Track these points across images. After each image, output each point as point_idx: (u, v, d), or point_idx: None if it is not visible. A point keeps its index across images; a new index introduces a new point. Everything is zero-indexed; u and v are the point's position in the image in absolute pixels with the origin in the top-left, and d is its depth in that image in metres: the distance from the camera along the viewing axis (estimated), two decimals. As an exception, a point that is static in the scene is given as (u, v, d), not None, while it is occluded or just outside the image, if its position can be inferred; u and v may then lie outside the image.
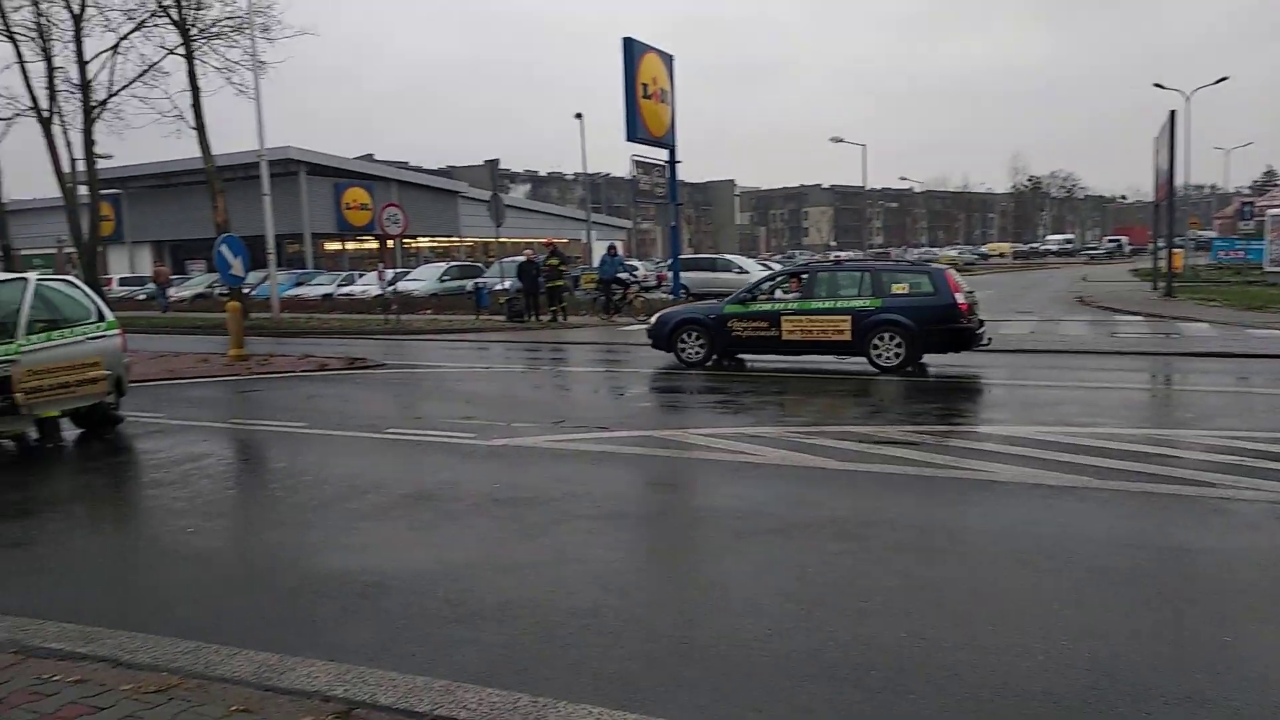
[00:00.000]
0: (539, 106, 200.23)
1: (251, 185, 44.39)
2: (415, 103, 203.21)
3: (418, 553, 5.55)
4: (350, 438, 9.29)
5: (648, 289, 31.84)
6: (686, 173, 31.68)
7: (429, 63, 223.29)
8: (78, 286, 9.51)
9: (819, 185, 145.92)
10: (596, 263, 31.09)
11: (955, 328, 13.06)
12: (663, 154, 25.48)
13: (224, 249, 15.98)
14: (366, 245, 56.29)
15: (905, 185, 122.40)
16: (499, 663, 3.93)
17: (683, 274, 27.53)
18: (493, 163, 23.81)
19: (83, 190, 28.09)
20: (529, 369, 15.12)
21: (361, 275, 38.16)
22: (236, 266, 16.09)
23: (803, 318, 13.50)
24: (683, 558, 5.59)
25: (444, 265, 37.16)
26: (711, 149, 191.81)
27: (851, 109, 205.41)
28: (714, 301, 15.15)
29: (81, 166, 26.78)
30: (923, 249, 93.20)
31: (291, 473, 7.92)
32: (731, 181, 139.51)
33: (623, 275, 25.77)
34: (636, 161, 24.35)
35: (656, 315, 15.23)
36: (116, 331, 9.60)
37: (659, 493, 7.20)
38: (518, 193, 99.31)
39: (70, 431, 9.71)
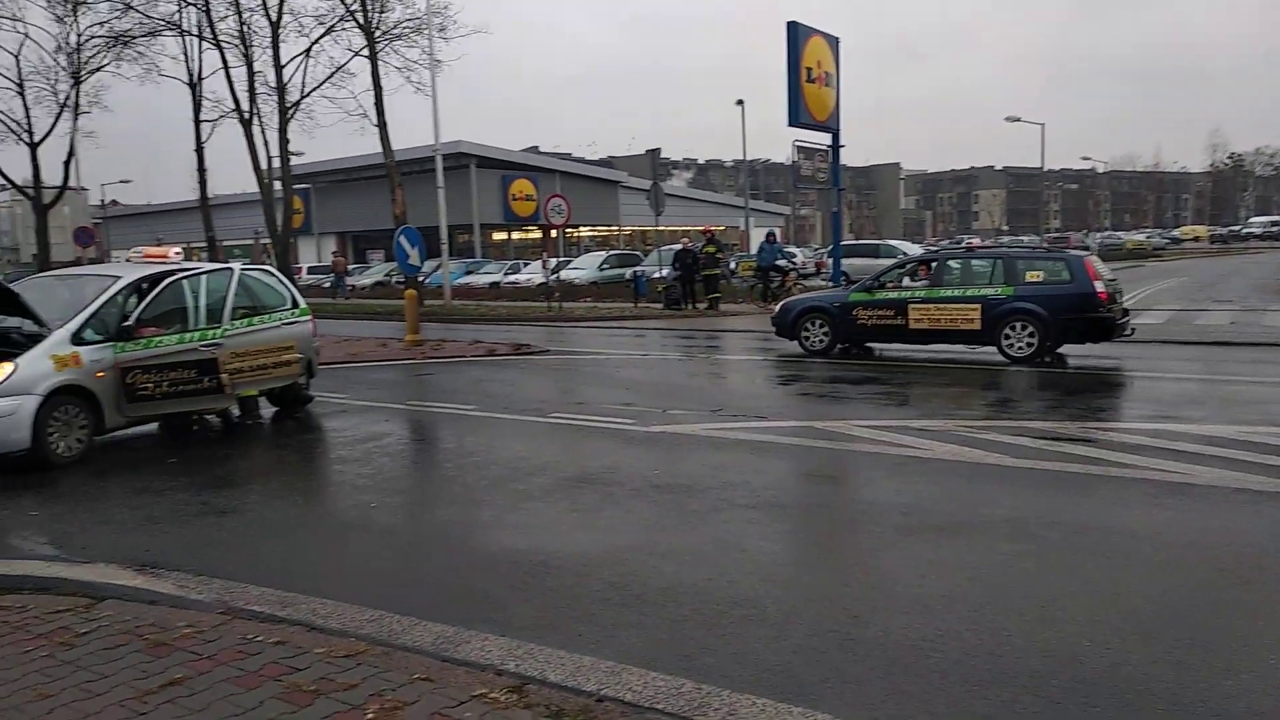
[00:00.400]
0: (699, 94, 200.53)
1: (426, 179, 46.74)
2: (579, 94, 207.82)
3: (581, 535, 5.68)
4: (516, 421, 9.62)
5: (806, 276, 31.30)
6: (849, 156, 30.85)
7: (592, 55, 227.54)
8: (275, 275, 10.30)
9: (990, 167, 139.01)
10: (754, 250, 30.83)
11: (1094, 317, 12.35)
12: (825, 138, 24.87)
13: (402, 239, 16.85)
14: (531, 235, 58.11)
15: (1087, 165, 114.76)
16: (662, 647, 3.97)
17: (844, 260, 26.86)
18: (654, 152, 23.97)
19: (277, 185, 30.34)
20: (686, 356, 15.18)
21: (526, 264, 39.38)
22: (414, 256, 16.94)
23: (931, 306, 13.09)
24: (846, 552, 5.47)
25: (603, 254, 37.82)
26: (876, 131, 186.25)
27: (1025, 87, 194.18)
28: (839, 289, 14.93)
29: (276, 163, 28.92)
30: (1105, 233, 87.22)
31: (462, 453, 8.29)
32: (896, 165, 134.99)
33: (781, 262, 25.45)
34: (798, 147, 23.86)
35: (781, 303, 15.28)
36: (308, 318, 10.34)
37: (820, 484, 7.07)
38: (677, 181, 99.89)
39: (266, 410, 10.51)
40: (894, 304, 13.39)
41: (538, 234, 58.25)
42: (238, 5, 27.74)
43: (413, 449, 8.93)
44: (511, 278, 36.28)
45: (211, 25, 27.83)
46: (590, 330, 20.74)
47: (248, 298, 9.68)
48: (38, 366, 7.98)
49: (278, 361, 9.67)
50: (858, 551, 5.42)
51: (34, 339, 8.19)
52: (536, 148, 78.52)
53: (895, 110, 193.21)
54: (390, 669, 3.73)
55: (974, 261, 13.60)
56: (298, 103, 28.37)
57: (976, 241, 51.69)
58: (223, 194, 67.16)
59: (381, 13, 27.16)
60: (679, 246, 24.28)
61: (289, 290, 10.31)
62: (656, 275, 26.74)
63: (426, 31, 26.56)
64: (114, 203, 77.27)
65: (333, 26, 27.51)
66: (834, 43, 24.73)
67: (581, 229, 59.58)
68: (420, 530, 6.08)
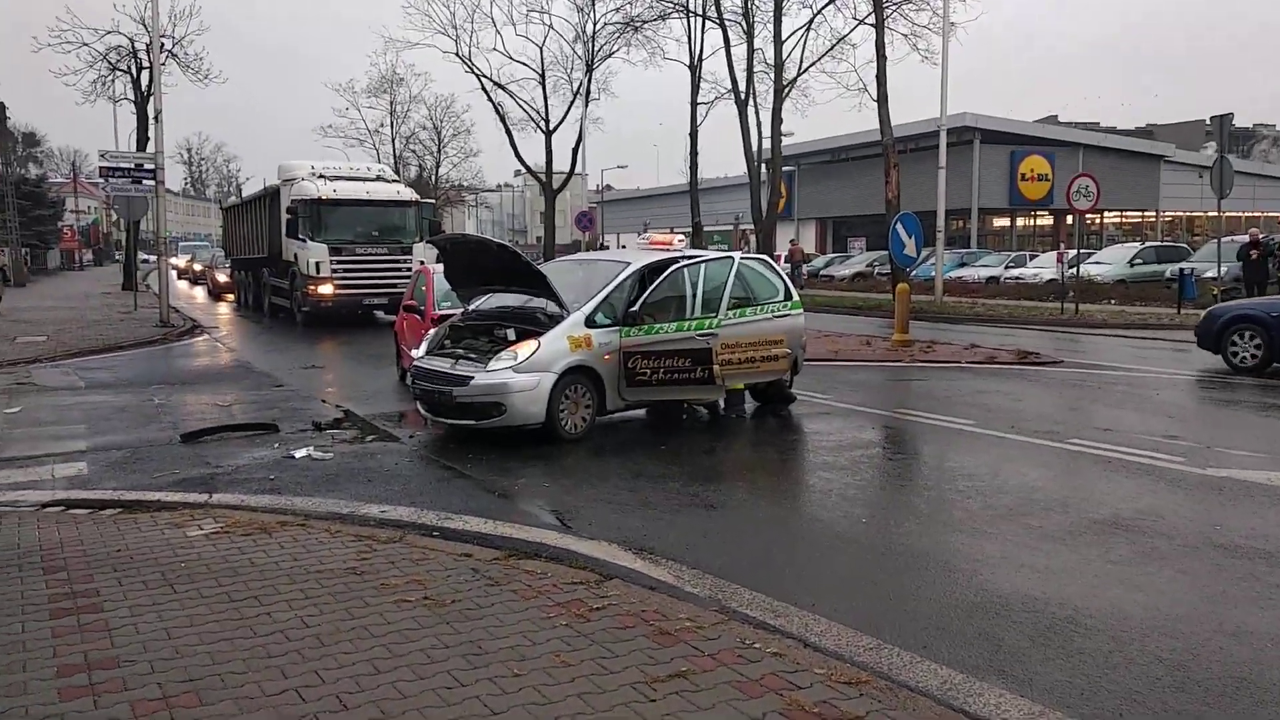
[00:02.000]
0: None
1: (919, 158, 46.51)
2: (1107, 57, 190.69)
3: (1117, 592, 5.24)
4: (1024, 443, 9.18)
5: None
6: None
7: (1124, 12, 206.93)
8: (770, 265, 10.98)
9: None
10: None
11: None
12: None
13: (899, 227, 16.94)
14: (1039, 221, 54.88)
15: None
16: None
17: None
18: (1223, 119, 21.12)
19: (763, 169, 32.25)
20: (1254, 381, 13.22)
21: (1033, 256, 37.29)
22: (910, 246, 16.94)
23: None
24: None
25: (1136, 246, 34.34)
26: None
27: None
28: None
29: (767, 144, 30.70)
30: None
31: (962, 474, 8.10)
32: None
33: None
34: None
35: (1206, 311, 14.83)
36: (799, 311, 10.85)
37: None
38: (1251, 159, 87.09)
39: (748, 404, 11.24)
40: None
41: (1047, 220, 54.90)
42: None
43: (905, 463, 8.95)
44: (1014, 272, 34.64)
45: (717, 3, 30.35)
46: (1114, 340, 19.04)
47: (743, 288, 10.43)
48: (556, 346, 9.38)
49: (766, 355, 10.27)
50: None
51: (554, 319, 9.64)
52: (1055, 117, 73.68)
53: None
54: (895, 707, 3.77)
55: None
56: (794, 79, 29.80)
57: None
58: (702, 178, 73.06)
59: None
60: (1245, 239, 21.19)
61: (782, 281, 10.91)
62: (1210, 275, 23.67)
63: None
64: (608, 188, 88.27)
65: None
66: None
67: (1107, 215, 54.79)
68: (918, 554, 6.06)
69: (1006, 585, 5.40)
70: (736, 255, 10.48)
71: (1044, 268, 33.47)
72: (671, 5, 34.48)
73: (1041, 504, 7.02)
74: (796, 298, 10.90)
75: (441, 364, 9.66)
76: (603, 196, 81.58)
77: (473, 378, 9.21)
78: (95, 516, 7.17)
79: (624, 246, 12.16)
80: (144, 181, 23.04)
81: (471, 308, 10.58)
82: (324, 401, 12.36)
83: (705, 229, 41.65)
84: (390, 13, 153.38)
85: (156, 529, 6.64)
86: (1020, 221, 54.85)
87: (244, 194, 29.28)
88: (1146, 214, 55.69)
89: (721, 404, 10.70)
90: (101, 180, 22.82)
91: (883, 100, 26.36)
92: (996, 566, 5.75)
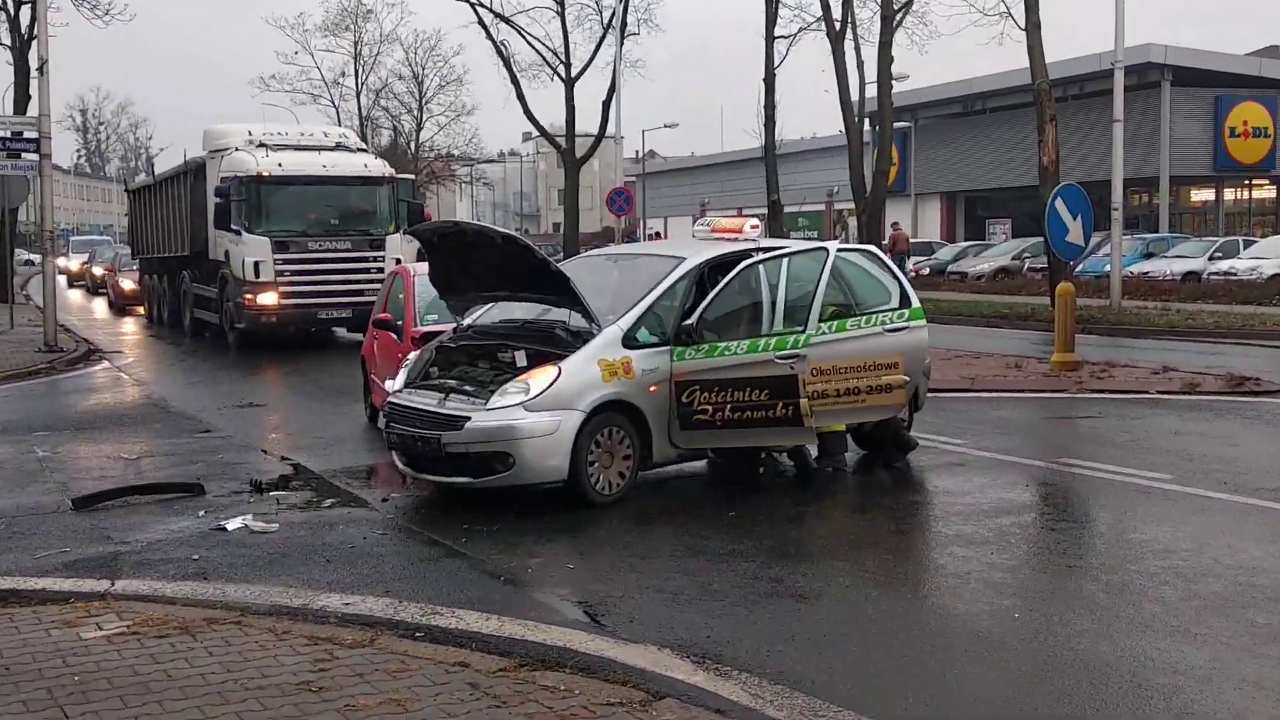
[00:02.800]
0: None
1: (1084, 108, 46.29)
2: None
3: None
4: (1245, 506, 9.09)
5: None
6: None
7: None
8: (879, 259, 10.91)
9: None
10: None
11: None
12: None
13: (1059, 204, 16.78)
14: (1256, 193, 54.27)
15: None
16: None
17: None
18: None
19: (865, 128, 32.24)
20: None
21: (1251, 241, 36.90)
22: (1075, 230, 16.73)
23: None
24: None
25: None
26: None
27: None
28: None
29: (871, 93, 30.74)
30: None
31: (1154, 550, 8.01)
32: None
33: None
34: None
35: None
36: (921, 322, 10.75)
37: None
38: None
39: (851, 453, 11.17)
40: None
41: (1268, 192, 54.31)
42: None
43: (1072, 534, 8.85)
44: (1222, 265, 34.30)
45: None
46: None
47: (841, 291, 10.38)
48: (584, 374, 9.41)
49: (874, 385, 10.20)
50: None
51: (580, 337, 9.67)
52: (1275, 47, 72.72)
53: None
54: None
55: None
56: (909, 1, 29.86)
57: None
58: (782, 141, 73.02)
59: None
60: None
61: (896, 282, 10.84)
62: None
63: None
64: (650, 154, 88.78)
65: None
66: None
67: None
68: (1093, 664, 5.96)
69: (1222, 709, 5.32)
70: (832, 245, 10.46)
71: (1265, 258, 33.06)
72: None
73: (1269, 592, 6.93)
74: (917, 304, 10.81)
75: (426, 400, 9.74)
76: (643, 167, 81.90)
77: (469, 419, 9.27)
78: (-42, 613, 7.29)
79: (695, 236, 12.07)
80: (23, 156, 23.55)
81: (467, 323, 10.67)
82: (266, 453, 12.51)
83: (786, 210, 41.68)
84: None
85: (40, 629, 6.74)
86: (1229, 194, 54.27)
87: (157, 171, 29.78)
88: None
89: (813, 453, 10.65)
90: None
91: (1033, 27, 26.21)
92: (1206, 682, 5.66)
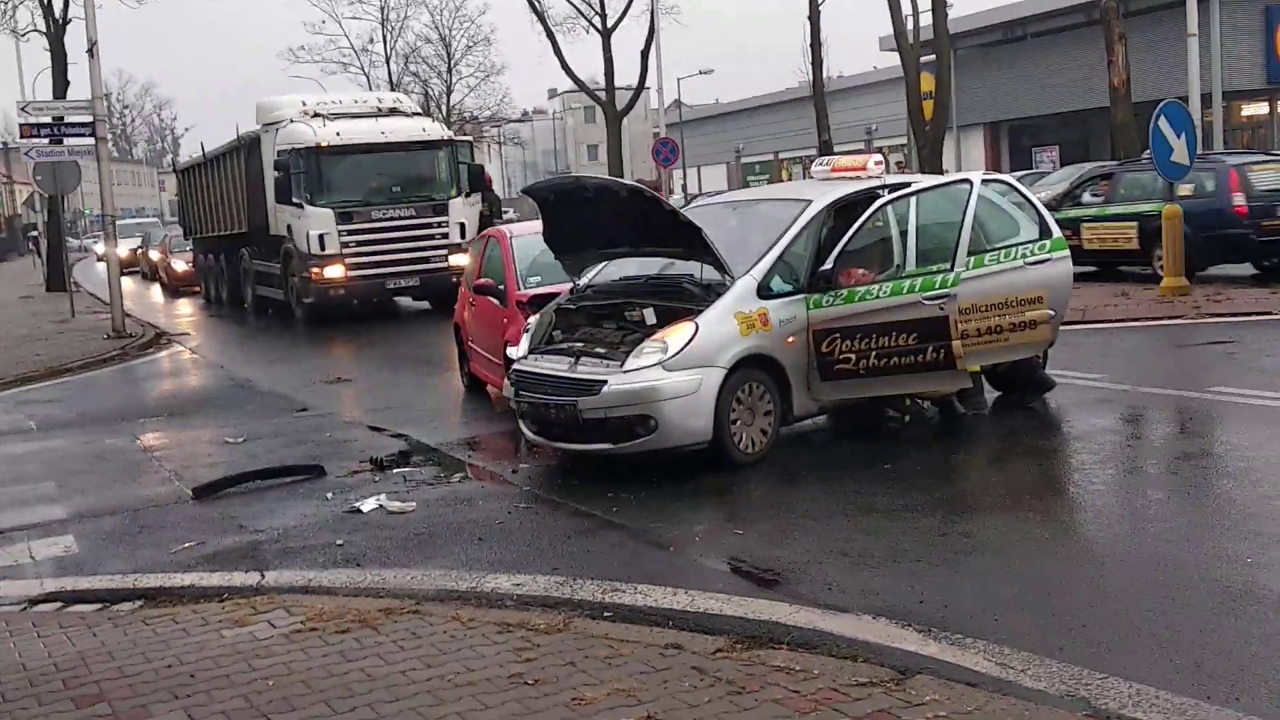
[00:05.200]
0: None
1: (1139, 28, 45.11)
2: None
3: None
4: None
5: None
6: None
7: None
8: (1017, 190, 10.37)
9: None
10: None
11: None
12: None
13: (1162, 123, 16.12)
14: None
15: None
16: None
17: None
18: None
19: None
20: None
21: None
22: (1180, 150, 16.08)
23: None
24: None
25: None
26: None
27: None
28: None
29: (926, 20, 29.95)
30: None
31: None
32: None
33: None
34: None
35: None
36: (1065, 253, 10.20)
37: None
38: None
39: (989, 394, 10.71)
40: None
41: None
42: None
43: (1268, 467, 8.18)
44: None
45: None
46: None
47: (977, 225, 9.83)
48: (721, 328, 8.96)
49: (1018, 322, 9.69)
50: None
51: (711, 290, 9.22)
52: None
53: None
54: None
55: None
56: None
57: None
58: (805, 84, 71.79)
59: None
60: None
61: (1036, 213, 10.29)
62: None
63: None
64: (677, 103, 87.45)
65: None
66: None
67: None
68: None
69: None
70: (975, 176, 9.90)
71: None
72: None
73: None
74: (1058, 234, 10.24)
75: (555, 365, 9.33)
76: (681, 115, 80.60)
77: (605, 382, 8.85)
78: (112, 614, 7.01)
79: (812, 178, 11.59)
80: (68, 140, 23.22)
81: (583, 282, 10.23)
82: (373, 429, 12.18)
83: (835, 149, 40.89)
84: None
85: (210, 629, 6.43)
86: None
87: (207, 149, 29.31)
88: None
89: (955, 399, 10.18)
90: (22, 142, 22.98)
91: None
92: None
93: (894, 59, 62.87)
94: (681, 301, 9.33)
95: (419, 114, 25.28)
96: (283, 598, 6.95)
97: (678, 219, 9.29)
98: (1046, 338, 10.03)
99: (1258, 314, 14.46)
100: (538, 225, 10.77)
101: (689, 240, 9.28)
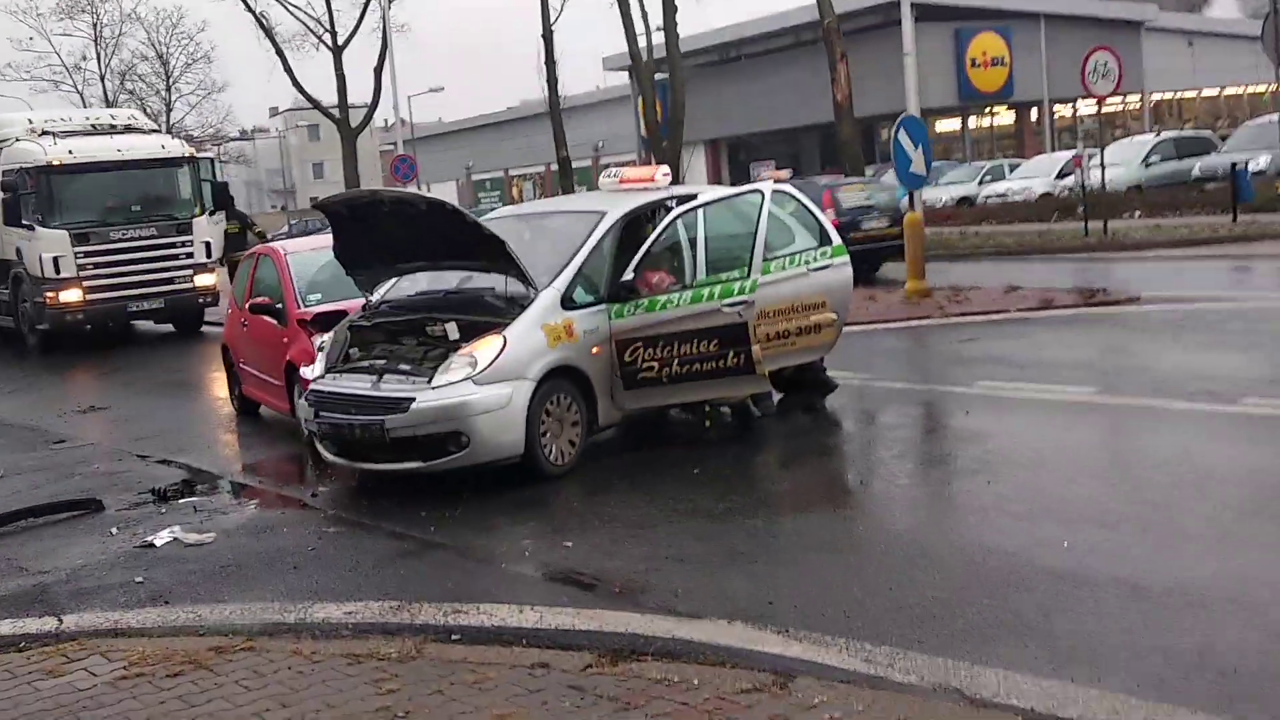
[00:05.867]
0: None
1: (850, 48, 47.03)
2: None
3: None
4: (1191, 412, 9.05)
5: None
6: None
7: None
8: (800, 200, 10.48)
9: None
10: None
11: None
12: None
13: (902, 135, 16.74)
14: (997, 120, 56.42)
15: None
16: None
17: None
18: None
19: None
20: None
21: (1015, 166, 38.23)
22: (918, 161, 16.75)
23: None
24: None
25: (1150, 140, 35.50)
26: None
27: None
28: None
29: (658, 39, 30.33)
30: None
31: (1151, 461, 7.92)
32: None
33: None
34: None
35: None
36: (845, 259, 10.37)
37: None
38: (1222, 10, 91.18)
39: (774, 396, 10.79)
40: None
41: (1006, 119, 56.52)
42: None
43: (1056, 453, 8.52)
44: (994, 188, 35.36)
45: None
46: (1169, 263, 19.56)
47: (768, 234, 9.89)
48: (530, 341, 8.71)
49: (804, 326, 9.78)
50: None
51: (514, 303, 8.96)
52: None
53: None
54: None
55: None
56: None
57: None
58: (533, 101, 71.91)
59: None
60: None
61: (818, 221, 10.45)
62: (1259, 167, 24.83)
63: None
64: (402, 123, 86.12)
65: None
66: None
67: (1078, 103, 56.70)
68: (1184, 592, 5.73)
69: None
70: (766, 187, 9.97)
71: (1032, 177, 34.36)
72: None
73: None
74: (838, 242, 10.43)
75: (357, 384, 8.88)
76: (414, 132, 79.29)
77: (413, 399, 8.46)
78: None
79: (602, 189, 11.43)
80: None
81: (376, 298, 9.81)
82: (144, 458, 11.30)
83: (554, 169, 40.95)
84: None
85: (19, 682, 5.80)
86: (973, 122, 56.29)
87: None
88: (1128, 100, 57.79)
89: (750, 402, 10.23)
90: None
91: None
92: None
93: (616, 79, 64.11)
94: (484, 315, 9.04)
95: (156, 130, 23.87)
96: (94, 642, 6.33)
97: (480, 231, 8.99)
98: (830, 341, 10.16)
99: (995, 312, 15.10)
100: (313, 241, 10.28)
101: (491, 253, 9.00)
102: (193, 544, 8.17)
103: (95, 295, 20.64)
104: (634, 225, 9.75)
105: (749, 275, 9.24)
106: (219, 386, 15.29)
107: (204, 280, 21.80)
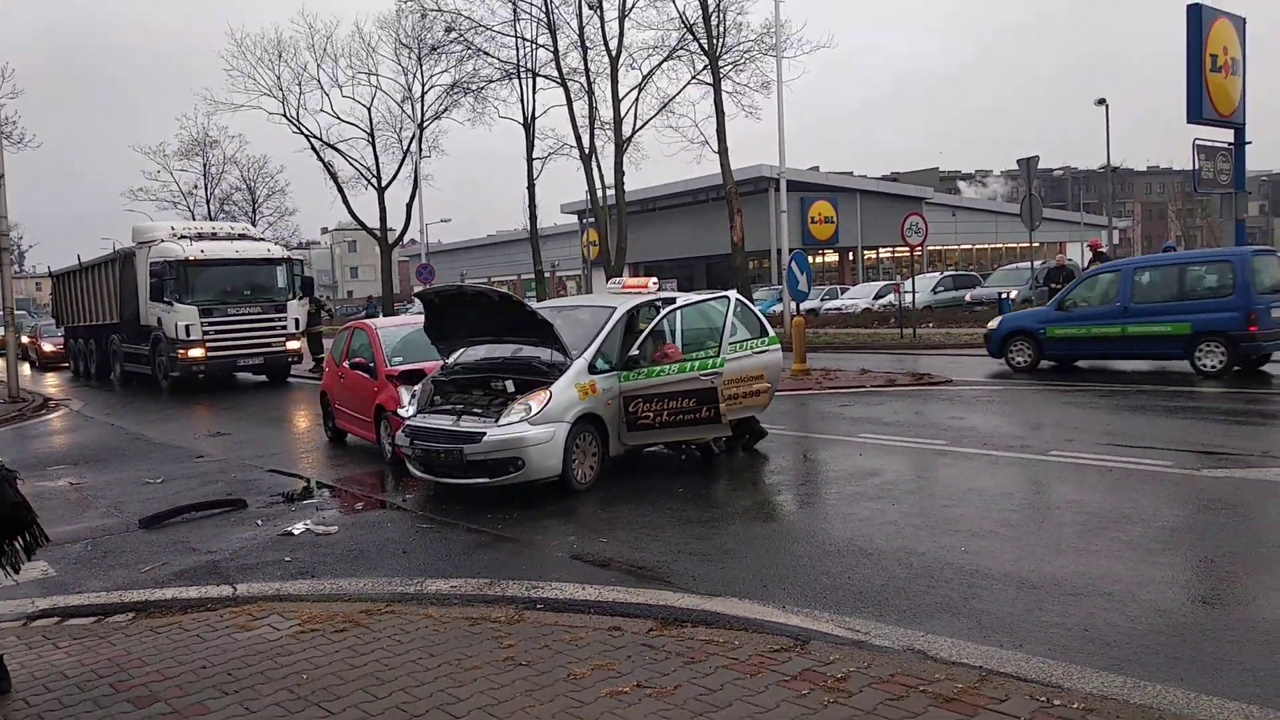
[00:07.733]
0: (1052, 97, 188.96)
1: (718, 206, 47.79)
2: (894, 106, 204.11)
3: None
4: (1022, 460, 9.00)
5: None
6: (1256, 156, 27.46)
7: (911, 65, 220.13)
8: (746, 305, 10.39)
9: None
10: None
11: None
12: (1228, 135, 22.44)
13: (794, 265, 16.93)
14: (827, 259, 57.44)
15: None
16: None
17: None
18: (1029, 161, 22.61)
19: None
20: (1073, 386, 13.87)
21: (844, 289, 38.82)
22: (804, 282, 16.98)
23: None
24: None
25: (936, 276, 36.40)
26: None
27: None
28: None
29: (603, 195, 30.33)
30: None
31: (1000, 494, 7.74)
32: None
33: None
34: (1199, 146, 21.63)
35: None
36: (776, 346, 10.35)
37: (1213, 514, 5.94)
38: (969, 192, 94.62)
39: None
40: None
41: (833, 258, 57.64)
42: (583, 41, 29.64)
43: (932, 484, 8.35)
44: (832, 304, 35.83)
45: (558, 62, 29.97)
46: (957, 358, 19.74)
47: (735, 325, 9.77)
48: (568, 395, 8.51)
49: (749, 391, 9.72)
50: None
51: (554, 368, 8.74)
52: (817, 168, 77.64)
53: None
54: None
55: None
56: (631, 136, 29.79)
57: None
58: (506, 230, 71.52)
59: (724, 36, 27.89)
60: (1052, 263, 22.68)
61: (758, 319, 10.43)
62: (1011, 296, 25.40)
63: (769, 53, 26.96)
64: (412, 241, 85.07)
65: (675, 50, 28.68)
66: (1240, 24, 22.40)
67: (880, 250, 58.12)
68: (1024, 580, 5.63)
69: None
70: (732, 294, 9.88)
71: (858, 298, 34.94)
72: (502, 63, 33.85)
73: (1115, 518, 6.83)
74: (772, 334, 10.42)
75: (443, 421, 8.57)
76: (427, 248, 78.67)
77: (484, 434, 8.19)
78: (111, 625, 5.75)
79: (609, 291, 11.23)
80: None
81: (450, 361, 9.51)
82: (272, 471, 10.78)
83: (523, 278, 40.73)
84: (208, 76, 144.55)
85: (221, 634, 5.36)
86: (812, 259, 57.08)
87: (83, 259, 25.92)
88: (905, 249, 59.14)
89: (712, 443, 10.03)
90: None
91: (724, 151, 26.69)
92: (1166, 587, 5.44)
93: (566, 218, 64.25)
94: (534, 375, 8.80)
95: (263, 239, 23.23)
96: (269, 605, 5.92)
97: (535, 316, 8.77)
98: (767, 402, 10.09)
99: (855, 387, 15.05)
100: (394, 320, 10.00)
101: (541, 331, 8.79)
102: (321, 534, 7.74)
103: (214, 353, 20.03)
104: (633, 317, 9.60)
105: (719, 354, 9.10)
106: (308, 420, 14.77)
107: (292, 345, 21.29)
